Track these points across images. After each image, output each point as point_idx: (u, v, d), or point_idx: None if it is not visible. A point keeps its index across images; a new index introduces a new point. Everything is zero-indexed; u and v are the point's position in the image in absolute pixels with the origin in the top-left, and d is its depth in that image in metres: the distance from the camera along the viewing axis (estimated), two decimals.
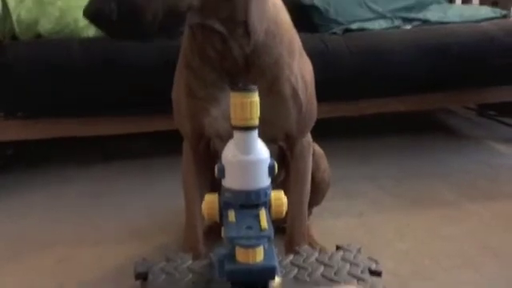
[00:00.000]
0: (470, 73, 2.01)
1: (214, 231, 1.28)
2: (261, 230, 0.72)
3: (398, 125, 2.49)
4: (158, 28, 0.78)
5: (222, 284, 0.74)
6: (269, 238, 0.72)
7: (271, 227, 0.73)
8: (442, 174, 1.91)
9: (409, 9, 2.32)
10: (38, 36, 1.82)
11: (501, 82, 2.12)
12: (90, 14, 0.74)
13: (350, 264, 0.89)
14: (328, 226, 1.52)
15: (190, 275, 0.87)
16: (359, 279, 0.85)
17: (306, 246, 0.98)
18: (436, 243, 1.42)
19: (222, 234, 0.77)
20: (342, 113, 2.03)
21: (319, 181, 1.33)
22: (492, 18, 2.21)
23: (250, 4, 0.90)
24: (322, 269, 0.88)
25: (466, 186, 1.80)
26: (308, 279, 0.85)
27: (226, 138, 1.00)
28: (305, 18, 2.28)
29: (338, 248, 0.97)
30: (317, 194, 1.33)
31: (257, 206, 0.74)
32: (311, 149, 1.17)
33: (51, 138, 1.82)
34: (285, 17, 1.03)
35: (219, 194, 0.78)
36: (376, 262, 0.90)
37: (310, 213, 1.39)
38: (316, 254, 0.92)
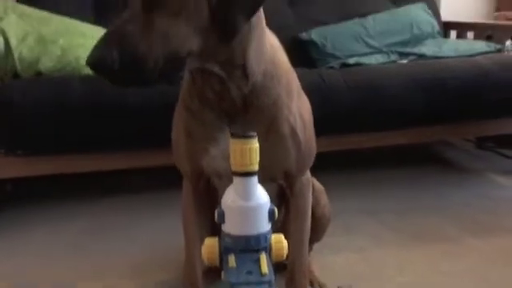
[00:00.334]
0: (466, 107, 2.03)
1: (213, 270, 1.27)
2: (261, 274, 0.71)
3: (397, 157, 2.50)
4: (159, 75, 0.79)
5: None
6: (269, 283, 0.71)
7: (272, 272, 0.73)
8: (441, 208, 1.90)
9: (405, 43, 2.37)
10: (40, 74, 1.84)
11: (498, 115, 2.14)
12: (92, 63, 0.76)
13: None
14: (328, 261, 1.51)
15: None
16: None
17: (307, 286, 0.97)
18: (436, 278, 1.41)
19: (222, 279, 0.76)
20: (341, 146, 2.03)
21: (320, 216, 1.32)
22: (487, 52, 2.24)
23: (248, 47, 0.92)
24: None
25: (466, 219, 1.79)
26: None
27: (225, 176, 1.01)
28: (303, 52, 2.33)
29: None
30: (317, 230, 1.33)
31: (257, 251, 0.74)
32: (311, 186, 1.17)
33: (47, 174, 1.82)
34: (282, 57, 1.05)
35: (219, 238, 0.78)
36: None
37: (310, 249, 1.39)
38: None
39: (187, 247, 1.16)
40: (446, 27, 2.72)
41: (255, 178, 0.73)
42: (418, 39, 2.40)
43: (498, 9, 2.96)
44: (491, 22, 2.79)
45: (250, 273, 0.72)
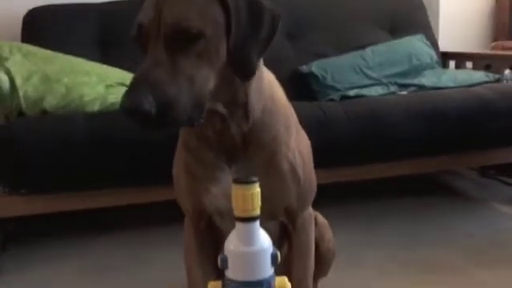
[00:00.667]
0: (467, 136, 2.04)
1: None
2: None
3: (400, 188, 2.48)
4: (186, 118, 0.81)
5: None
6: None
7: None
8: (446, 239, 1.89)
9: (404, 74, 2.39)
10: (44, 112, 1.87)
11: (499, 144, 2.15)
12: (129, 108, 0.75)
13: None
14: None
15: None
16: None
17: None
18: None
19: None
20: (343, 178, 2.04)
21: (324, 251, 1.31)
22: (486, 82, 2.26)
23: (249, 85, 0.93)
24: None
25: (471, 251, 1.78)
26: None
27: (227, 215, 1.01)
28: (303, 85, 2.36)
29: None
30: (323, 265, 1.32)
31: None
32: (313, 221, 1.16)
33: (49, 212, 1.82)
34: (280, 93, 1.06)
35: (223, 282, 0.78)
36: None
37: (316, 286, 1.37)
38: None
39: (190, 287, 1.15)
40: (445, 57, 2.75)
41: (257, 223, 0.73)
42: (417, 70, 2.43)
43: (495, 38, 3.00)
44: (489, 51, 2.82)
45: None
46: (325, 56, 2.48)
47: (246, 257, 0.72)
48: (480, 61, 2.57)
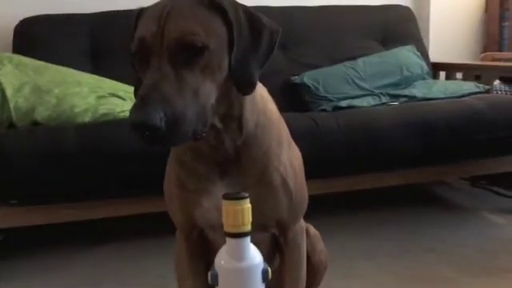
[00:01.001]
0: (458, 147, 2.05)
1: None
2: None
3: (392, 198, 2.49)
4: (192, 133, 0.80)
5: None
6: None
7: None
8: (439, 249, 1.90)
9: (395, 85, 2.41)
10: (35, 123, 1.86)
11: (490, 154, 2.16)
12: (140, 123, 0.74)
13: None
14: None
15: None
16: None
17: None
18: None
19: None
20: (335, 189, 2.04)
21: (316, 263, 1.30)
22: (476, 93, 2.28)
23: (244, 99, 0.94)
24: None
25: (463, 260, 1.79)
26: None
27: (218, 228, 1.00)
28: (295, 96, 2.37)
29: None
30: (315, 277, 1.31)
31: None
32: (304, 234, 1.16)
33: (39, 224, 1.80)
34: (272, 107, 1.06)
35: None
36: None
37: None
38: None
39: None
40: (435, 68, 2.77)
41: (248, 239, 0.73)
42: (408, 81, 2.45)
43: (485, 49, 3.03)
44: (479, 62, 2.84)
45: None
46: (317, 67, 2.49)
47: (236, 273, 0.72)
48: (470, 71, 2.59)
